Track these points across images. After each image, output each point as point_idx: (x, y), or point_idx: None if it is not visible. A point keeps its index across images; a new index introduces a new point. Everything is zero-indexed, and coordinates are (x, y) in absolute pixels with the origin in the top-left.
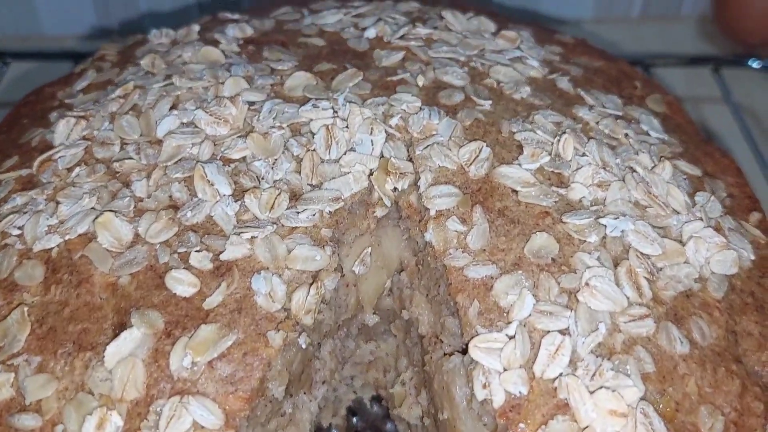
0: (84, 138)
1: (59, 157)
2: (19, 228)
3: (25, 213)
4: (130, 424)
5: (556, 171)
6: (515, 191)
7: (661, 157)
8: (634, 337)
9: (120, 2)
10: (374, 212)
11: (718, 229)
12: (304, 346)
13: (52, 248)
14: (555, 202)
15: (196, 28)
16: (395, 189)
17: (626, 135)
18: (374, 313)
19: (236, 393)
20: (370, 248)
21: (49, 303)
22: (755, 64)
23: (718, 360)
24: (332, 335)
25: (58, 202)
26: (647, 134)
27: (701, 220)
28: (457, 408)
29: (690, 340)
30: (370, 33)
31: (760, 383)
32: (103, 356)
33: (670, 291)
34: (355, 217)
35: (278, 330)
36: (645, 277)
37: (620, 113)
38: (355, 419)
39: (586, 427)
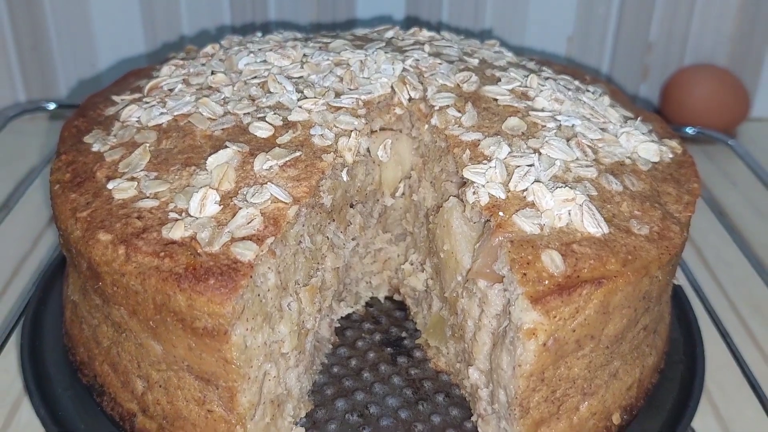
0: (182, 77)
1: (164, 83)
2: (137, 117)
3: (140, 109)
4: (225, 202)
5: (524, 92)
6: (495, 99)
7: (601, 93)
8: (581, 176)
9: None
10: (395, 110)
11: (650, 139)
12: (345, 179)
13: (162, 123)
14: (524, 106)
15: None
16: (410, 98)
17: (577, 88)
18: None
19: (300, 186)
20: (390, 140)
21: (161, 149)
22: (690, 131)
23: (644, 198)
24: (361, 201)
25: (165, 102)
26: (592, 93)
27: (636, 128)
28: (454, 232)
29: (623, 184)
30: (389, 34)
31: (678, 220)
32: (205, 164)
33: (608, 158)
34: (380, 111)
35: (329, 153)
36: (588, 146)
37: (573, 82)
38: (371, 309)
39: (546, 210)
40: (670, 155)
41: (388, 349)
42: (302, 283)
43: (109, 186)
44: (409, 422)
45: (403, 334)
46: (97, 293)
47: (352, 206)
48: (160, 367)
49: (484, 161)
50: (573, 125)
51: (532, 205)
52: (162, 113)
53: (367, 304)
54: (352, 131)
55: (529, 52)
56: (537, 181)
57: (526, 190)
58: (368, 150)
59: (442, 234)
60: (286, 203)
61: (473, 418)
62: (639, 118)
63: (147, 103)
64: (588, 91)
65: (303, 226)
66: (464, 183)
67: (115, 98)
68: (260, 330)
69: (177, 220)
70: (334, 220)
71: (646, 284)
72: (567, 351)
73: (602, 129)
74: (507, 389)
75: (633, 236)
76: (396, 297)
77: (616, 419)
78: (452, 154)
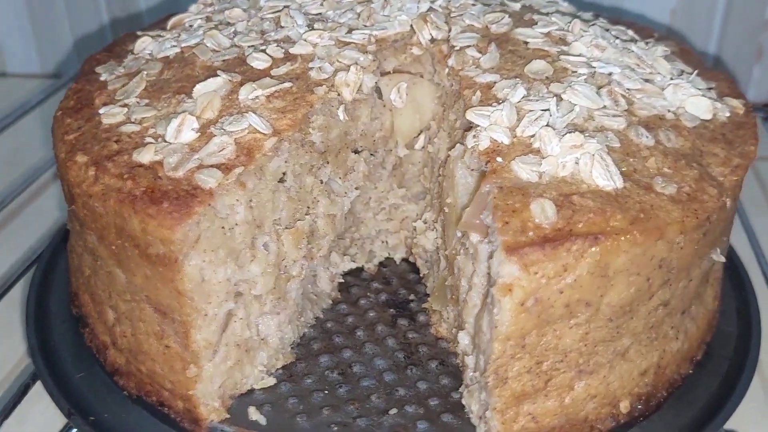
0: (207, 14)
1: (188, 20)
2: (150, 50)
3: (154, 42)
4: (203, 130)
5: (562, 36)
6: (526, 42)
7: (654, 40)
8: (605, 125)
9: None
10: (411, 49)
11: (702, 95)
12: (341, 117)
13: (170, 54)
14: (557, 51)
15: None
16: (432, 39)
17: (631, 39)
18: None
19: (284, 118)
20: (405, 84)
21: (161, 79)
22: None
23: (680, 156)
24: (368, 148)
25: (179, 35)
26: (645, 44)
27: (688, 82)
28: (456, 183)
29: (656, 139)
30: None
31: (719, 184)
32: (192, 92)
33: (644, 111)
34: (396, 50)
35: (322, 86)
36: (622, 95)
37: (626, 32)
38: (385, 269)
39: (549, 156)
40: (727, 114)
41: (391, 310)
42: (285, 224)
43: (101, 111)
44: (392, 386)
45: (411, 297)
46: (76, 219)
47: (357, 152)
48: (126, 297)
49: (495, 104)
50: (610, 73)
51: (538, 151)
52: (173, 46)
53: (382, 264)
54: (351, 65)
55: (627, 17)
56: (548, 126)
57: (534, 135)
58: (378, 91)
59: (447, 186)
60: (264, 134)
61: (461, 389)
62: (695, 72)
63: (162, 37)
64: (641, 41)
65: (286, 162)
66: (471, 128)
67: (140, 33)
68: (222, 265)
69: (150, 144)
70: (328, 163)
71: (663, 250)
72: (554, 316)
73: (646, 80)
74: (485, 354)
75: (653, 194)
76: (412, 259)
77: (624, 407)
78: (462, 96)
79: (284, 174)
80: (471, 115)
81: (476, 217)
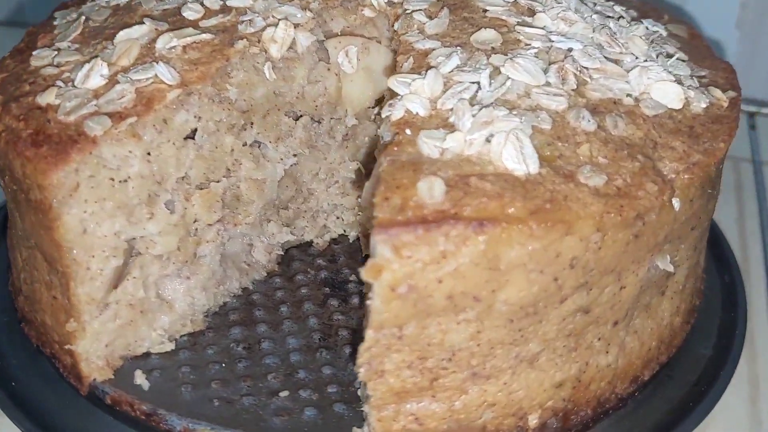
0: None
1: None
2: None
3: None
4: (113, 77)
5: (530, 6)
6: (485, 10)
7: (640, 19)
8: (541, 104)
9: None
10: (363, 10)
11: (677, 81)
12: (270, 77)
13: (120, 2)
14: (517, 21)
15: None
16: (389, 1)
17: (620, 17)
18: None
19: (195, 71)
20: (356, 48)
21: (101, 26)
22: None
23: (624, 146)
24: (310, 114)
25: None
26: (628, 22)
27: (660, 66)
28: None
29: (600, 125)
30: None
31: (665, 181)
32: (115, 37)
33: (597, 93)
34: (346, 11)
35: (243, 39)
36: (575, 74)
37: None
38: (336, 246)
39: (456, 132)
40: (704, 105)
41: (326, 289)
42: (196, 184)
43: (33, 53)
44: (295, 367)
45: (352, 278)
46: None
47: (298, 118)
48: (26, 243)
49: (424, 71)
50: (569, 49)
51: (452, 126)
52: None
53: (334, 241)
54: (280, 20)
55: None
56: (469, 100)
57: (452, 108)
58: (319, 53)
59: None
60: (168, 85)
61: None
62: (676, 56)
63: None
64: (629, 19)
65: (195, 117)
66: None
67: None
68: (110, 218)
69: (53, 87)
70: (253, 124)
71: (575, 248)
72: (436, 308)
73: (614, 60)
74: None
75: (572, 184)
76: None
77: (533, 421)
78: (396, 62)
79: (194, 130)
80: (393, 83)
81: (370, 193)
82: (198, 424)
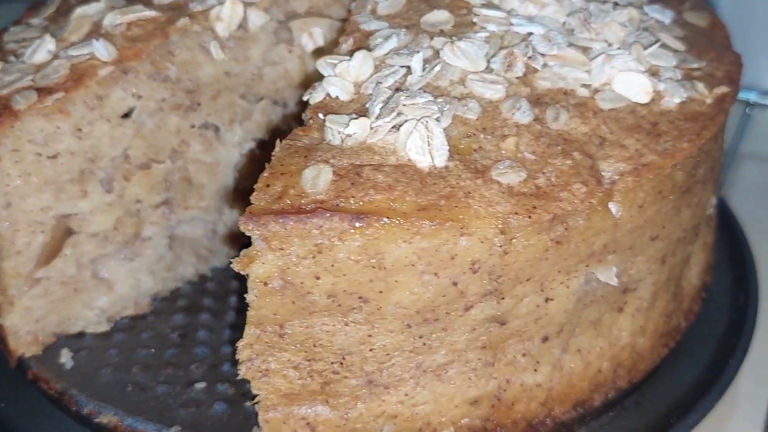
0: None
1: None
2: None
3: None
4: (57, 53)
5: None
6: None
7: (627, 5)
8: (474, 92)
9: None
10: None
11: (653, 72)
12: (215, 55)
13: None
14: (481, 3)
15: None
16: None
17: (611, 2)
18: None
19: (134, 48)
20: (320, 29)
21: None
22: None
23: (561, 142)
24: (270, 98)
25: None
26: (645, 13)
27: (630, 54)
28: None
29: (537, 117)
30: None
31: (602, 182)
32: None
33: (546, 82)
34: None
35: (186, 17)
36: (526, 61)
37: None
38: None
39: (361, 118)
40: (677, 100)
41: None
42: (137, 164)
43: (10, 29)
44: (221, 360)
45: None
46: None
47: (259, 101)
48: None
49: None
50: (530, 33)
51: (365, 109)
52: None
53: None
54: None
55: None
56: (396, 84)
57: (372, 92)
58: (280, 34)
59: None
60: (101, 62)
61: None
62: (657, 45)
63: None
64: (610, 3)
65: (134, 96)
66: None
67: None
68: (35, 193)
69: (2, 61)
70: (200, 104)
71: (475, 250)
72: (318, 306)
73: (580, 46)
74: None
75: (481, 180)
76: None
77: None
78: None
79: (132, 109)
80: (321, 64)
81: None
82: (104, 407)
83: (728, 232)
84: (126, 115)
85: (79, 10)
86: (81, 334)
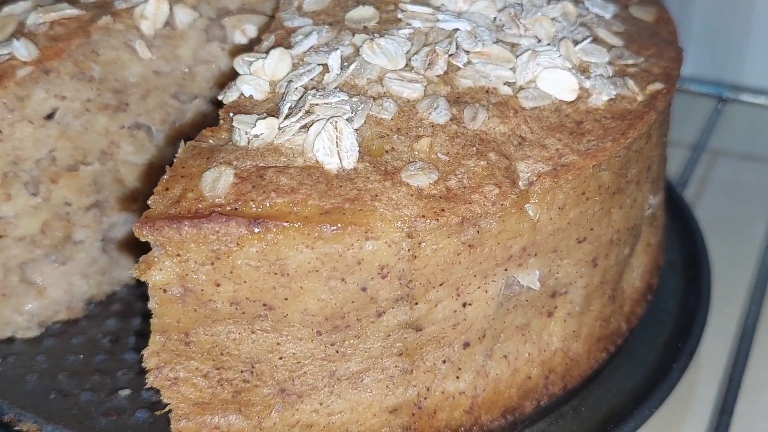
0: None
1: None
2: None
3: None
4: None
5: None
6: None
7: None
8: (391, 91)
9: None
10: None
11: (582, 69)
12: (141, 54)
13: None
14: (410, 0)
15: None
16: None
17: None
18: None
19: (55, 47)
20: (254, 26)
21: None
22: None
23: (477, 143)
24: (204, 98)
25: None
26: (585, 8)
27: (558, 51)
28: None
29: (454, 117)
30: None
31: (517, 183)
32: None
33: (468, 81)
34: None
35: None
36: (448, 59)
37: None
38: None
39: (269, 119)
40: (606, 98)
41: None
42: (63, 166)
43: None
44: None
45: None
46: None
47: (192, 100)
48: None
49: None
50: (455, 29)
51: (276, 110)
52: None
53: None
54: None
55: None
56: (311, 83)
57: (286, 91)
58: (212, 31)
59: None
60: (21, 62)
61: None
62: (590, 39)
63: None
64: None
65: (57, 96)
66: None
67: None
68: None
69: None
70: (128, 105)
71: (383, 255)
72: (221, 314)
73: (508, 43)
74: None
75: (390, 182)
76: None
77: None
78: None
79: (55, 109)
80: (237, 63)
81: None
82: (24, 415)
83: (683, 231)
84: (50, 116)
85: (6, 9)
86: (10, 340)
